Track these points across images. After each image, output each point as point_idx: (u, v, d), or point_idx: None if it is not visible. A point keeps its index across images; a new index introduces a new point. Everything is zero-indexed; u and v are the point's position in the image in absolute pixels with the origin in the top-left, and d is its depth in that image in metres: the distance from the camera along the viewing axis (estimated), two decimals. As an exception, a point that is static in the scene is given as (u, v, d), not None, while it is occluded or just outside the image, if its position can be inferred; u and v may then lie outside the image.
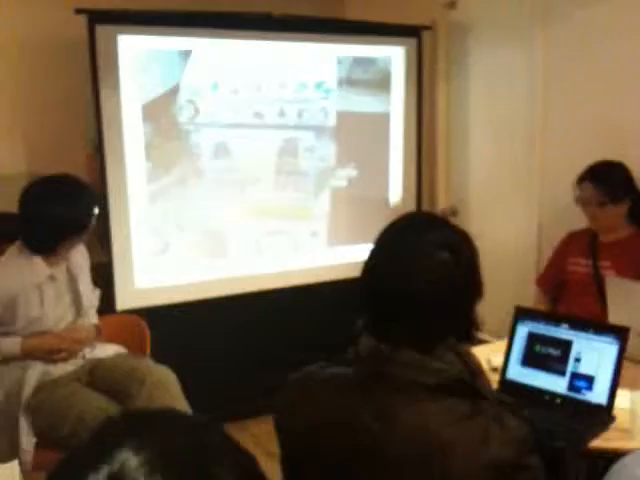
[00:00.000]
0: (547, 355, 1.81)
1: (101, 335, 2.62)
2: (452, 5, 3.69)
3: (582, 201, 2.67)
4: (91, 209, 2.43)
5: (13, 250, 2.40)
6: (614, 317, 2.17)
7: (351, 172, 3.71)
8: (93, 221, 2.45)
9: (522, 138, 3.39)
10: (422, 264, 1.18)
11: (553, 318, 1.83)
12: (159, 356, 2.74)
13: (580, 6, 3.00)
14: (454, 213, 3.91)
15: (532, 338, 1.84)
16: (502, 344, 2.04)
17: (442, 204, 3.97)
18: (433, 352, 1.15)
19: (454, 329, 1.20)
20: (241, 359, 3.44)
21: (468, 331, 1.23)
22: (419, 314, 1.17)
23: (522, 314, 1.87)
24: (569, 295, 2.78)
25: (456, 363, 1.15)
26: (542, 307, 2.81)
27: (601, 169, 2.66)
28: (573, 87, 3.09)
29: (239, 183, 3.43)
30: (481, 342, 2.36)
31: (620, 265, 2.59)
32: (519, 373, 1.87)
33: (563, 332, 1.81)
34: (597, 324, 1.83)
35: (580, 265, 2.73)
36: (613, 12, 2.88)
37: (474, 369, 1.17)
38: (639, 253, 2.61)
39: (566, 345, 1.80)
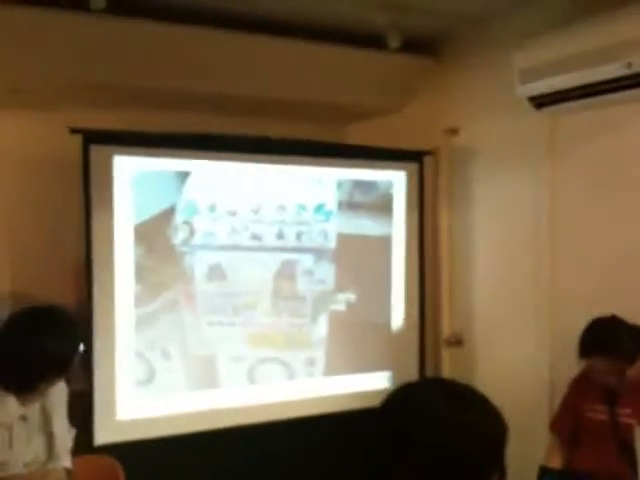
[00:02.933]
0: (579, 524, 1.58)
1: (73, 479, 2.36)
2: (455, 132, 3.67)
3: (597, 373, 2.47)
4: (76, 347, 2.25)
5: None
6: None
7: (351, 296, 3.55)
8: (76, 362, 2.26)
9: (529, 267, 3.26)
10: None
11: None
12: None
13: (588, 136, 2.96)
14: (459, 342, 3.72)
15: (561, 503, 1.61)
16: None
17: (446, 332, 3.79)
18: None
19: None
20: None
21: None
22: None
23: (547, 475, 1.65)
24: (586, 442, 2.54)
25: None
26: (559, 457, 2.56)
27: (602, 338, 2.44)
28: (581, 217, 3.01)
29: (233, 307, 3.26)
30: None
31: None
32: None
33: (596, 497, 1.58)
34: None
35: (597, 412, 2.51)
36: (622, 143, 2.83)
37: None
38: None
39: (600, 513, 1.57)
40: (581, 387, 2.62)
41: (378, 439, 1.12)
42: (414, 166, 3.64)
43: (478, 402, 1.12)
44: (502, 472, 1.09)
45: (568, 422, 2.62)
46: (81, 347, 2.29)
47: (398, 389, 1.16)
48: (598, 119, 2.90)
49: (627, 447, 2.29)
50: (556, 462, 2.50)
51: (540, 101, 2.90)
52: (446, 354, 3.79)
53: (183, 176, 3.12)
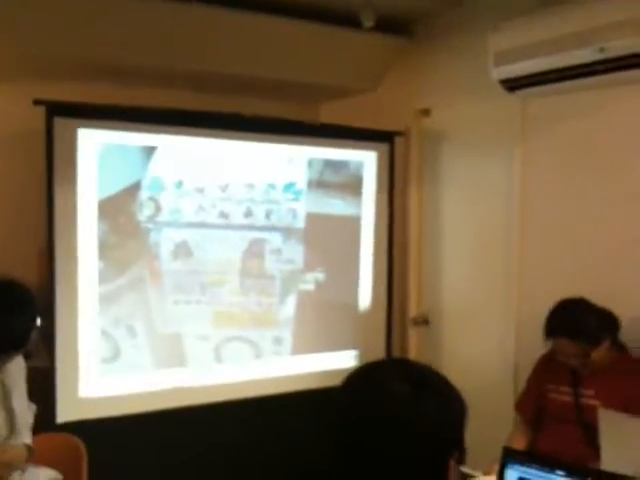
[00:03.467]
0: (540, 506, 1.59)
1: (33, 457, 2.32)
2: (426, 113, 3.66)
3: (562, 354, 2.48)
4: (33, 322, 2.19)
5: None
6: (607, 454, 1.97)
7: (319, 276, 3.54)
8: (34, 335, 2.21)
9: (499, 248, 3.28)
10: None
11: (547, 463, 1.62)
12: (101, 477, 2.46)
13: (559, 120, 2.97)
14: (425, 322, 3.74)
15: (523, 486, 1.62)
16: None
17: (413, 312, 3.80)
18: None
19: None
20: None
21: None
22: None
23: (511, 457, 1.66)
24: (550, 423, 2.57)
25: None
26: (523, 437, 2.59)
27: (568, 319, 2.44)
28: (552, 200, 3.02)
29: (200, 285, 3.22)
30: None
31: (605, 393, 2.40)
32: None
33: (558, 480, 1.59)
34: (596, 472, 1.62)
35: (561, 393, 2.53)
36: (592, 127, 2.84)
37: None
38: (624, 379, 2.43)
39: (562, 495, 1.58)
40: (545, 368, 2.64)
41: (336, 418, 1.11)
42: (385, 146, 3.62)
43: (436, 382, 1.11)
44: (461, 451, 1.08)
45: (532, 402, 2.65)
46: (38, 322, 2.23)
47: (358, 369, 1.15)
48: (570, 103, 2.91)
49: (591, 429, 2.32)
50: (520, 443, 2.53)
51: (513, 84, 2.90)
52: (413, 334, 3.81)
53: (149, 151, 3.05)
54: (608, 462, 1.90)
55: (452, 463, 1.06)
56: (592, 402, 2.41)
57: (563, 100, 2.93)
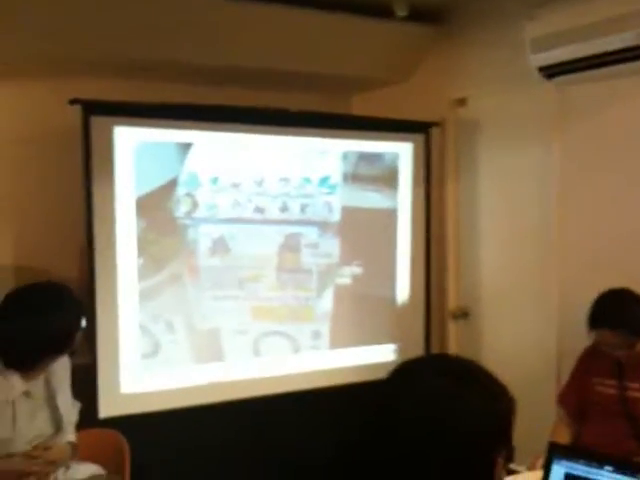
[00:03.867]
0: (588, 502, 1.55)
1: (77, 455, 2.35)
2: (462, 102, 3.60)
3: (606, 346, 2.43)
4: (77, 324, 2.22)
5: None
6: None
7: (356, 270, 3.51)
8: (79, 336, 2.24)
9: (537, 239, 3.22)
10: None
11: (595, 458, 1.58)
12: (144, 471, 2.48)
13: (597, 107, 2.90)
14: (465, 315, 3.69)
15: (570, 481, 1.59)
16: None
17: (452, 305, 3.76)
18: None
19: None
20: (240, 477, 3.13)
21: None
22: None
23: (557, 452, 1.62)
24: (594, 417, 2.52)
25: None
26: (567, 431, 2.54)
27: (612, 310, 2.41)
28: (591, 189, 2.95)
29: (237, 281, 3.22)
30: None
31: None
32: (554, 521, 1.60)
33: (607, 476, 1.55)
34: (646, 467, 1.58)
35: (606, 386, 2.48)
36: (631, 115, 2.77)
37: None
38: None
39: (610, 491, 1.54)
40: (590, 360, 2.59)
41: (379, 415, 1.08)
42: (420, 137, 3.58)
43: (483, 379, 1.08)
44: (508, 451, 1.06)
45: (576, 396, 2.60)
46: (83, 323, 2.26)
47: (400, 365, 1.13)
48: (609, 90, 2.84)
49: (637, 422, 2.27)
50: (563, 437, 2.49)
51: (551, 71, 2.84)
52: (452, 327, 3.77)
53: (185, 148, 3.07)
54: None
55: (500, 460, 1.04)
56: (638, 395, 2.36)
57: (602, 87, 2.86)
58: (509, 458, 1.06)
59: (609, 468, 1.56)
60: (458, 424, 1.01)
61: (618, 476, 1.54)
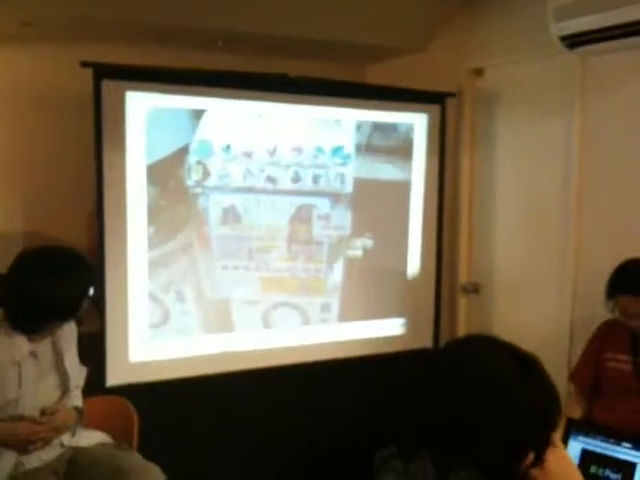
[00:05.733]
0: (605, 478, 1.53)
1: (84, 420, 2.34)
2: (479, 72, 3.53)
3: (624, 314, 2.39)
4: (86, 291, 2.19)
5: (-9, 321, 2.15)
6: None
7: (367, 242, 3.47)
8: (86, 303, 2.21)
9: (554, 214, 3.17)
10: None
11: (612, 434, 1.55)
12: (151, 440, 2.47)
13: (619, 78, 2.82)
14: (476, 289, 3.66)
15: (587, 457, 1.56)
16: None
17: (463, 279, 3.72)
18: None
19: None
20: (247, 448, 3.13)
21: None
22: None
23: (575, 428, 1.59)
24: (607, 393, 2.49)
25: None
26: (578, 408, 2.52)
27: (632, 276, 2.37)
28: (612, 162, 2.88)
29: (248, 251, 3.19)
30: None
31: None
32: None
33: (624, 452, 1.53)
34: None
35: (619, 362, 2.45)
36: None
37: None
38: None
39: (628, 468, 1.51)
40: (604, 336, 2.56)
41: (435, 372, 1.08)
42: (436, 108, 3.50)
43: (542, 374, 1.09)
44: (539, 453, 1.04)
45: (589, 372, 2.57)
46: (91, 291, 2.23)
47: (458, 345, 1.13)
48: (634, 61, 2.76)
49: None
50: (575, 414, 2.46)
51: (574, 41, 2.75)
52: (462, 302, 3.73)
53: (197, 115, 3.01)
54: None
55: (530, 456, 1.04)
56: None
57: (627, 58, 2.78)
58: (538, 458, 1.05)
59: (627, 445, 1.53)
60: (513, 406, 1.02)
61: (636, 452, 1.51)
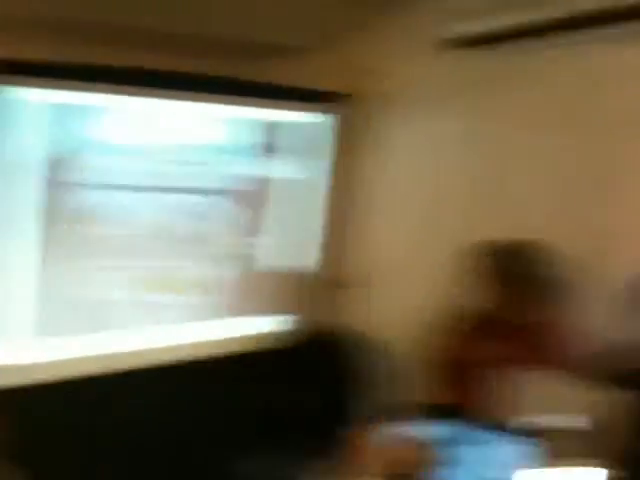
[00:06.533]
0: None
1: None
2: (376, 73, 3.54)
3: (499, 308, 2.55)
4: None
5: None
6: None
7: (254, 240, 3.49)
8: None
9: (447, 212, 3.24)
10: None
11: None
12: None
13: (511, 80, 2.91)
14: (358, 286, 3.73)
15: None
16: None
17: (346, 276, 3.79)
18: None
19: None
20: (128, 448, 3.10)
21: None
22: None
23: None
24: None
25: None
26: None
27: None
28: (498, 159, 2.99)
29: (129, 250, 3.11)
30: None
31: None
32: None
33: None
34: None
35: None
36: (542, 89, 2.80)
37: None
38: None
39: None
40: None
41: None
42: (334, 108, 3.52)
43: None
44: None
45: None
46: None
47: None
48: (520, 64, 2.84)
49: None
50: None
51: (467, 42, 2.84)
52: (344, 298, 3.81)
53: (85, 110, 2.87)
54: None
55: None
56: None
57: (516, 60, 2.84)
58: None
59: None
60: None
61: None
